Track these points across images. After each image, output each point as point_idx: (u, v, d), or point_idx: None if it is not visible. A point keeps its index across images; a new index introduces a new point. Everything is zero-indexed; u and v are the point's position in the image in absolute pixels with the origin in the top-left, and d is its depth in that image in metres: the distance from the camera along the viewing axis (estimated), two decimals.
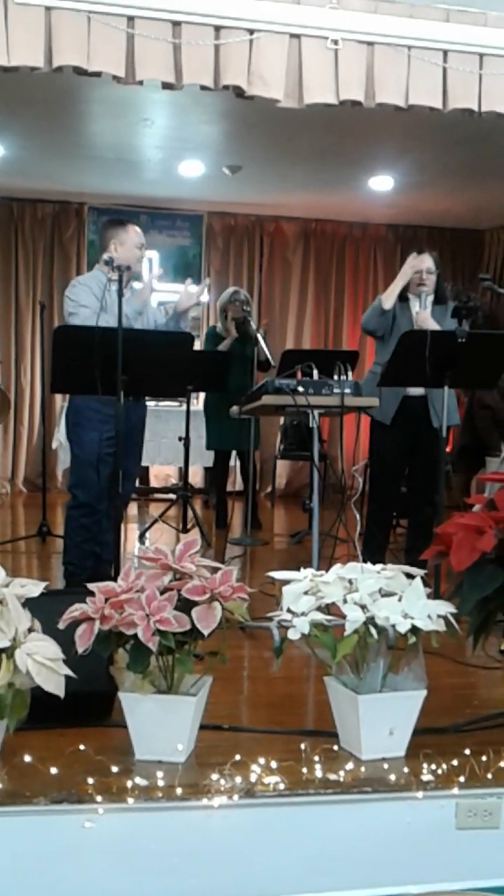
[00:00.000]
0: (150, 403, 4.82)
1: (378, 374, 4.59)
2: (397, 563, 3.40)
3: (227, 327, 6.63)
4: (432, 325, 4.64)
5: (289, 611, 2.52)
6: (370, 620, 2.46)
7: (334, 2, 3.76)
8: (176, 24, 3.63)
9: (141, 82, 3.65)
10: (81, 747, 2.45)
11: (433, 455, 4.51)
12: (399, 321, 4.77)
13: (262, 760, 2.43)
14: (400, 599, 2.51)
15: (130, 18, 3.58)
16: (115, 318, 3.76)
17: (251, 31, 3.71)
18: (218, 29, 3.67)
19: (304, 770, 2.43)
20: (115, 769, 2.38)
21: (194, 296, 4.47)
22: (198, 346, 7.23)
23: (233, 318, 6.60)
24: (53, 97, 5.51)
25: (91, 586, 2.49)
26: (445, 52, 3.92)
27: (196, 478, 8.57)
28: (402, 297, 4.78)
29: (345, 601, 2.49)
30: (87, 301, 4.23)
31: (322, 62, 3.80)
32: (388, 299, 4.73)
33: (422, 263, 4.75)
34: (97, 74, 3.60)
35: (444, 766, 2.48)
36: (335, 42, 3.80)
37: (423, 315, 4.68)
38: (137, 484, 7.26)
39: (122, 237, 4.40)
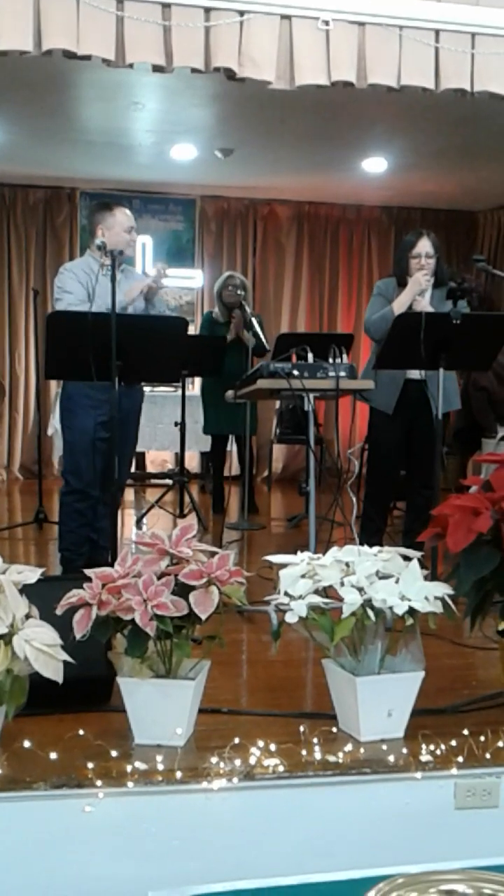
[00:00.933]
0: (146, 389, 4.79)
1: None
2: (395, 545, 3.40)
3: (222, 311, 6.61)
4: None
5: (286, 594, 2.53)
6: (367, 603, 2.47)
7: None
8: (165, 6, 3.60)
9: (131, 65, 3.63)
10: (81, 732, 2.47)
11: (431, 439, 4.50)
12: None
13: (261, 743, 2.44)
14: (397, 581, 2.52)
15: (120, 1, 3.55)
16: (105, 307, 3.73)
17: (241, 13, 3.69)
18: (208, 11, 3.65)
19: (304, 752, 2.45)
20: (114, 754, 2.39)
21: (138, 285, 4.36)
22: (192, 330, 7.20)
23: (226, 302, 6.58)
24: (43, 81, 5.46)
25: (88, 572, 2.49)
26: (437, 32, 3.90)
27: (192, 463, 8.56)
28: (402, 283, 4.72)
29: (342, 584, 2.50)
30: (71, 287, 4.20)
31: (313, 43, 3.78)
32: (400, 311, 4.54)
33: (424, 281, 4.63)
34: (87, 58, 3.58)
35: (443, 746, 2.49)
36: (326, 22, 3.77)
37: (423, 304, 4.64)
38: (134, 469, 7.27)
39: (110, 221, 4.33)
